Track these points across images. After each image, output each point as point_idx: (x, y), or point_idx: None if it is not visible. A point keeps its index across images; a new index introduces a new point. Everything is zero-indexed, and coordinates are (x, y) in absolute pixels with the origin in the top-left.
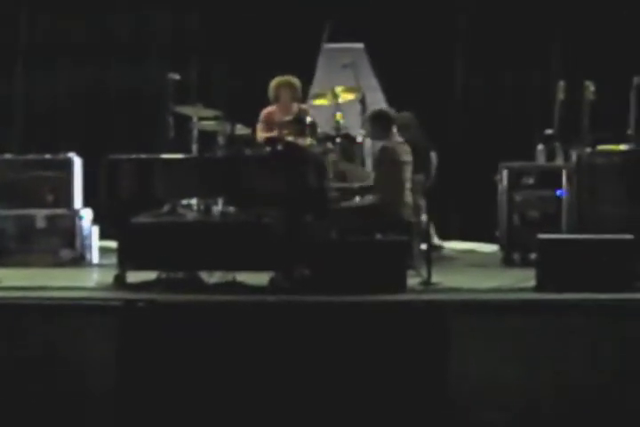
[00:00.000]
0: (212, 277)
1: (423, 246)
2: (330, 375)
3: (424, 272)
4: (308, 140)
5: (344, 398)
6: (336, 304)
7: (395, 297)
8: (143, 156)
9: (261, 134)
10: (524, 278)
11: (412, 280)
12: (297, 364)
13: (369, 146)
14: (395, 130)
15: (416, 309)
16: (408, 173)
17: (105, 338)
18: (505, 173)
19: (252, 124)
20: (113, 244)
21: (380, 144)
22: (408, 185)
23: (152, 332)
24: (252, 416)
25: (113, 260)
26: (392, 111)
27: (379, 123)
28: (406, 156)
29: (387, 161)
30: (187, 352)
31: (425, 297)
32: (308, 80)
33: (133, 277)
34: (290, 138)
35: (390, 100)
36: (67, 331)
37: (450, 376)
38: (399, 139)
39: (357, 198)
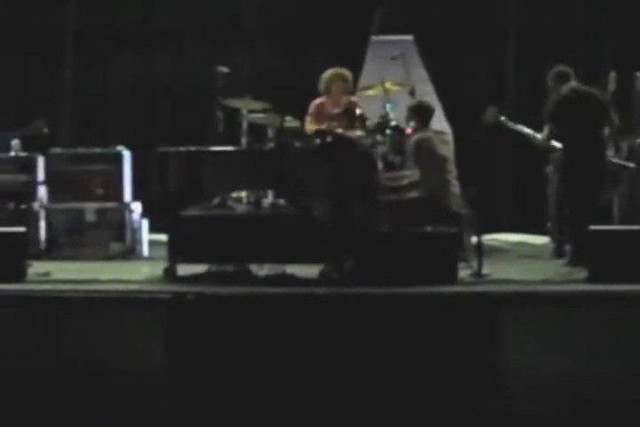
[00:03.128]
0: (261, 270)
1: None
2: (381, 367)
3: (475, 264)
4: (357, 133)
5: (395, 389)
6: (386, 296)
7: (445, 289)
8: (193, 148)
9: (310, 126)
10: (576, 270)
11: (463, 272)
12: (348, 355)
13: None
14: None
15: (467, 300)
16: (449, 163)
17: (154, 331)
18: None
19: (300, 116)
20: (163, 237)
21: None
22: (452, 175)
23: (201, 325)
24: (302, 406)
25: (163, 253)
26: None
27: (417, 114)
28: (444, 145)
29: (423, 153)
30: (236, 345)
31: (476, 289)
32: (356, 72)
33: (183, 270)
34: (339, 130)
35: (440, 91)
36: (116, 324)
37: (501, 368)
38: (438, 128)
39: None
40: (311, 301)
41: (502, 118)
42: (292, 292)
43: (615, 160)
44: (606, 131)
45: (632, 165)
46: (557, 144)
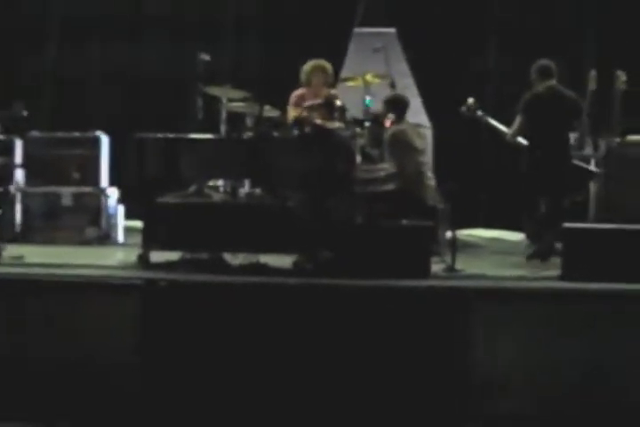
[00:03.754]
0: (235, 259)
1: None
2: (351, 359)
3: (448, 259)
4: (336, 124)
5: (365, 382)
6: (360, 288)
7: (418, 282)
8: (171, 135)
9: (292, 114)
10: (550, 267)
11: (437, 266)
12: (318, 347)
13: None
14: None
15: (439, 295)
16: (424, 155)
17: (126, 316)
18: None
19: (280, 106)
20: (138, 223)
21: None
22: (427, 168)
23: (173, 311)
24: (269, 396)
25: (138, 239)
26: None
27: (394, 107)
28: (419, 138)
29: (399, 146)
30: (208, 333)
31: (448, 283)
32: (338, 64)
33: (157, 256)
34: (319, 121)
35: (421, 85)
36: (88, 308)
37: (472, 363)
38: (411, 123)
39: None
40: (284, 291)
41: (479, 112)
42: (265, 281)
43: (581, 164)
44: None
45: (596, 169)
46: (524, 142)
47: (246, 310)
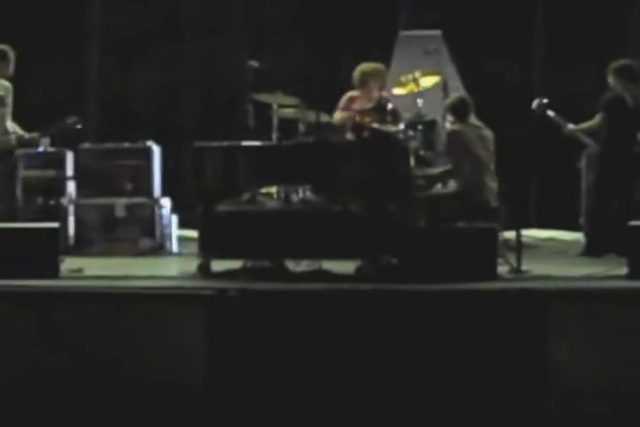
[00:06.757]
0: (298, 266)
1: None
2: (425, 365)
3: (512, 260)
4: (392, 128)
5: (439, 387)
6: (430, 293)
7: (488, 285)
8: (228, 143)
9: (340, 119)
10: (615, 266)
11: (500, 268)
12: (388, 353)
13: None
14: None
15: (511, 297)
16: (486, 155)
17: (195, 327)
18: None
19: (325, 109)
20: (191, 233)
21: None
22: (490, 168)
23: (242, 320)
24: (343, 405)
25: (192, 249)
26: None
27: (452, 110)
28: (480, 139)
29: (457, 146)
30: (277, 341)
31: (518, 285)
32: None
33: (216, 265)
34: (376, 125)
35: (468, 87)
36: (155, 320)
37: (548, 365)
38: (476, 123)
39: (440, 186)
40: (353, 297)
41: (549, 111)
42: (332, 288)
43: None
44: None
45: None
46: (585, 139)
47: (318, 318)
